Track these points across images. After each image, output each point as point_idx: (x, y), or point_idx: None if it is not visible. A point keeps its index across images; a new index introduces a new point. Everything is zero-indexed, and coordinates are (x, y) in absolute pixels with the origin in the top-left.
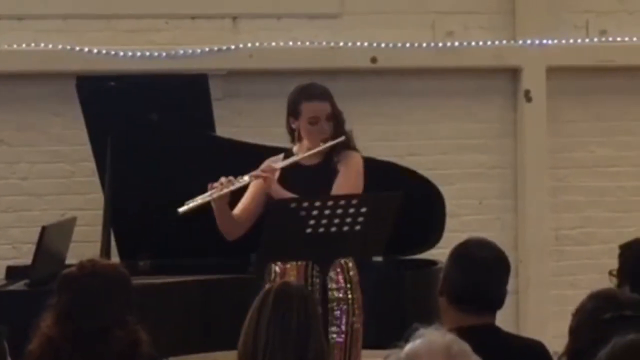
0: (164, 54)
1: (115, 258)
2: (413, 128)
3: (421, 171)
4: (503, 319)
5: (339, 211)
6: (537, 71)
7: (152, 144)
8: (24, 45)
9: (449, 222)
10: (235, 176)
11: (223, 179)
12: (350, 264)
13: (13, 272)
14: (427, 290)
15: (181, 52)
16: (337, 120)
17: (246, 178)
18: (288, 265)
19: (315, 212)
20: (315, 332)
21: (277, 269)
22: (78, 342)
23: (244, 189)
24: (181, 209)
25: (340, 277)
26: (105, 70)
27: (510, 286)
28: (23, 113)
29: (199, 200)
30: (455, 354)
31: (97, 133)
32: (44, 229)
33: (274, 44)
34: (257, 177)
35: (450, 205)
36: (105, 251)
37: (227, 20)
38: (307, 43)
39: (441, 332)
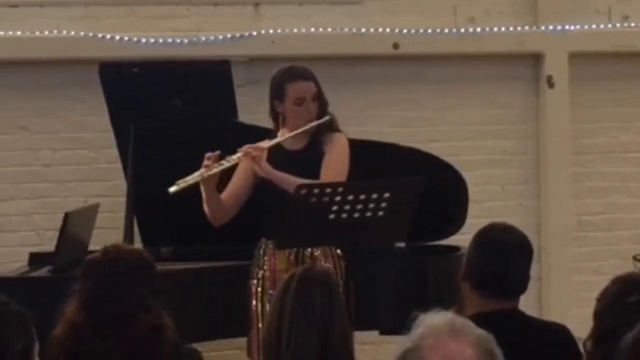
0: (185, 40)
1: (138, 244)
2: (435, 114)
3: (443, 157)
4: (525, 305)
5: (362, 197)
6: (559, 57)
7: (175, 130)
8: (45, 32)
9: (472, 208)
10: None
11: (209, 154)
12: (341, 254)
13: (36, 259)
14: (449, 276)
15: (203, 38)
16: (321, 101)
17: (234, 157)
18: (277, 252)
19: (338, 198)
20: (339, 316)
21: (266, 256)
22: (102, 327)
23: (231, 172)
24: (172, 189)
25: (329, 265)
26: (126, 57)
27: (532, 272)
28: (45, 100)
29: (189, 179)
30: (459, 327)
31: (119, 119)
32: (66, 215)
33: (295, 30)
34: (246, 154)
35: (472, 191)
36: (128, 237)
37: (249, 7)
38: (329, 29)
39: (440, 313)
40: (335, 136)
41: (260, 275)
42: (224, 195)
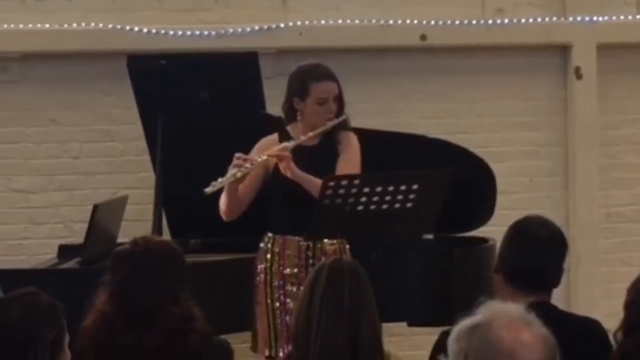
0: (213, 32)
1: (166, 236)
2: (463, 106)
3: (471, 149)
4: (554, 297)
5: (391, 188)
6: (587, 48)
7: (203, 122)
8: (74, 25)
9: (500, 200)
10: None
11: (239, 154)
12: (347, 246)
13: (65, 251)
14: (477, 268)
15: (231, 31)
16: (340, 101)
17: (264, 157)
18: (287, 251)
19: (366, 190)
20: (368, 309)
21: (276, 249)
22: (132, 318)
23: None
24: (207, 190)
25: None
26: (155, 49)
27: None
28: (73, 92)
29: (224, 180)
30: (531, 319)
31: (147, 112)
32: (95, 207)
33: (323, 22)
34: (273, 156)
35: (500, 183)
36: (157, 230)
37: None
38: (357, 21)
39: (511, 303)
40: (349, 136)
41: (267, 269)
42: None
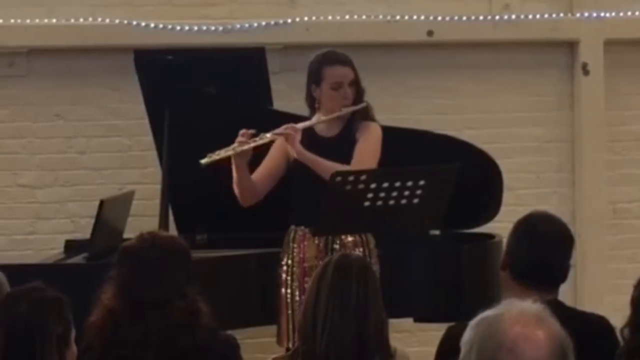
0: (220, 28)
1: (173, 232)
2: (469, 101)
3: (478, 145)
4: (561, 293)
5: (397, 184)
6: (594, 44)
7: (210, 117)
8: (80, 20)
9: (506, 196)
10: None
11: (243, 131)
12: (370, 238)
13: (71, 246)
14: (483, 264)
15: (238, 26)
16: (358, 88)
17: (268, 135)
18: (306, 242)
19: (373, 185)
20: (375, 304)
21: (295, 243)
22: (138, 313)
23: (264, 154)
24: (203, 161)
25: (359, 250)
26: (162, 44)
27: None
28: (80, 87)
29: (222, 152)
30: (544, 317)
31: (154, 107)
32: (102, 202)
33: (330, 17)
34: (279, 134)
35: (507, 179)
36: (163, 225)
37: None
38: (364, 17)
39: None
40: (369, 125)
41: (289, 262)
42: (255, 175)
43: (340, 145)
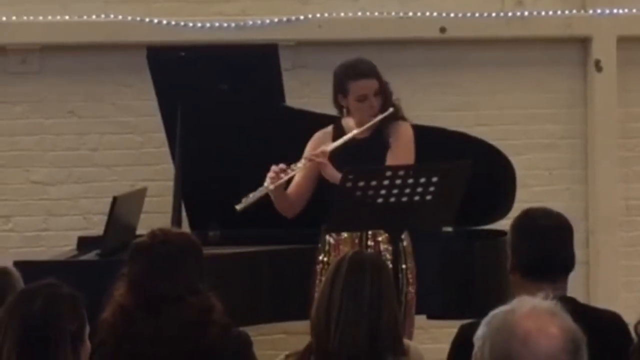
0: (233, 24)
1: (185, 229)
2: (482, 98)
3: (490, 141)
4: (574, 290)
5: (410, 181)
6: (607, 41)
7: (222, 114)
8: (93, 17)
9: (519, 193)
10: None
11: (275, 167)
12: (403, 235)
13: (84, 243)
14: (496, 261)
15: (250, 23)
16: (384, 94)
17: (299, 165)
18: (343, 237)
19: (386, 182)
20: (388, 301)
21: (332, 240)
22: (151, 310)
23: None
24: (238, 206)
25: (390, 248)
26: (174, 41)
27: (580, 257)
28: (92, 84)
29: (257, 194)
30: (557, 311)
31: (167, 104)
32: (115, 199)
33: (342, 14)
34: (311, 162)
35: (520, 176)
36: (176, 222)
37: None
38: (376, 13)
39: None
40: (400, 125)
41: (324, 259)
42: (290, 189)
43: (372, 147)
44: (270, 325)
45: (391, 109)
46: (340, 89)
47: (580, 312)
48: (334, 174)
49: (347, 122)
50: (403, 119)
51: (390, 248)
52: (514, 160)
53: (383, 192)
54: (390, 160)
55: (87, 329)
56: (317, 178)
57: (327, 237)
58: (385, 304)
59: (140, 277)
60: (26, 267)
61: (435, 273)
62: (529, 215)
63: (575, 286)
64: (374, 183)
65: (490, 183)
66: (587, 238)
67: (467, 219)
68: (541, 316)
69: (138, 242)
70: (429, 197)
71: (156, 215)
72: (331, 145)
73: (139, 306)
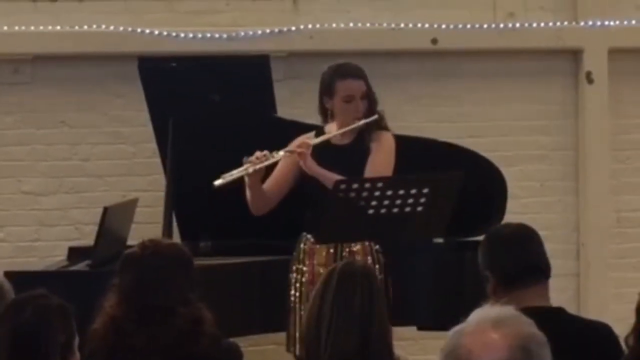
0: (224, 35)
1: (176, 239)
2: (473, 109)
3: (482, 153)
4: (565, 301)
5: (401, 192)
6: (598, 52)
7: (214, 125)
8: (85, 27)
9: (510, 204)
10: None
11: (258, 153)
12: (380, 249)
13: (75, 253)
14: None
15: (242, 33)
16: (370, 100)
17: (281, 153)
18: (317, 245)
19: (377, 193)
20: (378, 312)
21: (306, 247)
22: (141, 321)
23: (274, 163)
24: (217, 182)
25: (369, 259)
26: (166, 51)
27: (571, 268)
28: (84, 94)
29: (235, 173)
30: (503, 319)
31: (158, 114)
32: (105, 210)
33: (334, 25)
34: (292, 152)
35: (511, 187)
36: (167, 232)
37: (288, 2)
38: (368, 24)
39: (499, 306)
40: (382, 135)
41: (299, 268)
42: (266, 185)
43: (353, 154)
44: (261, 336)
45: (376, 116)
46: (326, 91)
47: (571, 324)
48: (313, 167)
49: (330, 128)
50: (386, 128)
51: (366, 260)
52: (505, 171)
53: (374, 203)
54: (369, 167)
55: (77, 340)
56: (295, 177)
57: (302, 245)
58: (376, 315)
59: (131, 288)
60: (17, 277)
61: (426, 284)
62: (492, 231)
63: (565, 297)
64: (365, 194)
65: (481, 194)
66: (578, 250)
67: (458, 230)
68: (484, 330)
69: (129, 252)
70: (420, 209)
71: (147, 226)
72: (314, 140)
73: (130, 317)
